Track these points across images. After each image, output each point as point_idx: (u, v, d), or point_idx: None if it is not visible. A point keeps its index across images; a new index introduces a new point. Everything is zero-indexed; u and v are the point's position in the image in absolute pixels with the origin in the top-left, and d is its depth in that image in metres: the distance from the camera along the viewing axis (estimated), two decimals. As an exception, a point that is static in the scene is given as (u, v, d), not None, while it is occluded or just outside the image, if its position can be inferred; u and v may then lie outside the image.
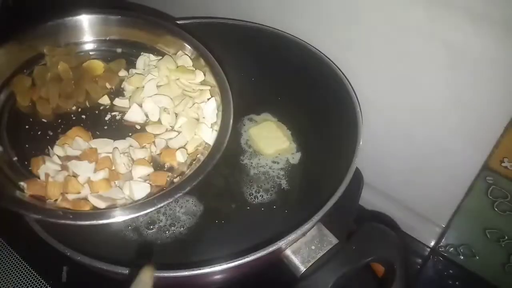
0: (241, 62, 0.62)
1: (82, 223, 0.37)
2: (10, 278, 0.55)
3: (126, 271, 0.36)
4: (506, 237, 0.51)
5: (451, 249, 0.58)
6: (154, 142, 0.44)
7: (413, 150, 0.54)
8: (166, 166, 0.43)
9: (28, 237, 0.39)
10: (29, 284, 0.54)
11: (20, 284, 0.54)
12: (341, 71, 0.52)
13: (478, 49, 0.41)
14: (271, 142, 0.60)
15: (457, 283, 0.58)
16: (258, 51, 0.60)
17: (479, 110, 0.45)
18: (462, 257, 0.58)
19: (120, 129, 0.46)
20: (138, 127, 0.46)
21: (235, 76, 0.63)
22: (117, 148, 0.42)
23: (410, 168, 0.56)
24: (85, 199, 0.39)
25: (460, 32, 0.41)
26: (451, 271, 0.59)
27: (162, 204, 0.38)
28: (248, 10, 0.59)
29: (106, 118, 0.46)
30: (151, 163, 0.43)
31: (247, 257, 0.37)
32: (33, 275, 0.55)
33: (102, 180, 0.40)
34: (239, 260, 0.37)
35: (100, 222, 0.37)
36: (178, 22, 0.59)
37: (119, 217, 0.37)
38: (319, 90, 0.56)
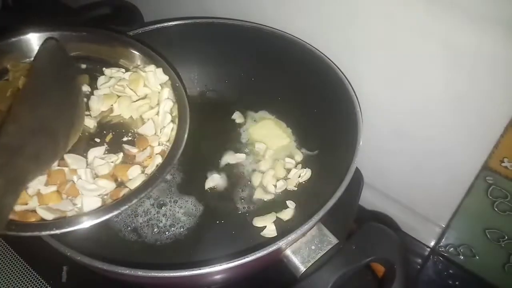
0: (241, 62, 0.62)
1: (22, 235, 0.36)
2: (10, 278, 0.55)
3: (126, 271, 0.36)
4: (506, 237, 0.51)
5: (451, 249, 0.58)
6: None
7: (413, 150, 0.54)
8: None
9: (28, 236, 0.39)
10: (29, 284, 0.54)
11: (20, 284, 0.54)
12: (341, 71, 0.52)
13: (478, 49, 0.41)
14: (272, 140, 0.60)
15: (457, 283, 0.58)
16: (258, 51, 0.60)
17: (479, 110, 0.45)
18: (462, 257, 0.58)
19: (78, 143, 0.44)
20: (97, 140, 0.45)
21: (235, 76, 0.64)
22: (85, 162, 0.43)
23: (410, 168, 0.56)
24: (33, 211, 0.38)
25: (460, 32, 0.41)
26: (451, 271, 0.59)
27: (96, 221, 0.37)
28: (248, 10, 0.60)
29: None
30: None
31: (247, 257, 0.37)
32: (33, 275, 0.55)
33: (53, 192, 0.39)
34: (239, 260, 0.37)
35: (41, 234, 0.36)
36: (178, 22, 0.59)
37: (61, 229, 0.37)
38: (319, 90, 0.56)
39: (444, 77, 0.45)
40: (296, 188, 0.55)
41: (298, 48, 0.55)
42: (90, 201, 0.39)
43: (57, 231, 0.36)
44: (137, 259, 0.49)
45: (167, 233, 0.52)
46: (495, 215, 0.49)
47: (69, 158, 0.42)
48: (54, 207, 0.39)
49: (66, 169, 0.41)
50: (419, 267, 0.60)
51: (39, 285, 0.54)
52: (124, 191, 0.41)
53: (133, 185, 0.41)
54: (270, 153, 0.58)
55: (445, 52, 0.43)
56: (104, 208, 0.39)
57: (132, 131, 0.47)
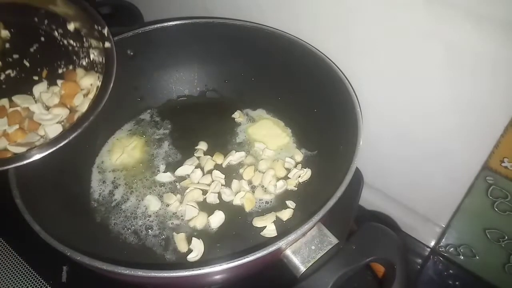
0: (241, 62, 0.62)
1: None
2: (10, 278, 0.55)
3: (126, 271, 0.36)
4: (506, 237, 0.51)
5: (451, 249, 0.58)
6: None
7: (413, 150, 0.54)
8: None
9: (28, 237, 0.39)
10: (29, 284, 0.54)
11: (20, 284, 0.54)
12: (341, 71, 0.52)
13: (478, 49, 0.41)
14: (271, 139, 0.60)
15: (457, 283, 0.58)
16: (258, 51, 0.60)
17: (479, 110, 0.45)
18: (462, 257, 0.58)
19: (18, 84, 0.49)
20: (35, 77, 0.50)
21: (235, 75, 0.64)
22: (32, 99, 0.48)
23: (410, 168, 0.56)
24: (6, 149, 0.44)
25: (460, 32, 0.41)
26: (451, 271, 0.59)
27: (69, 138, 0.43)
28: (248, 10, 0.59)
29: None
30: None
31: (247, 257, 0.37)
32: (33, 275, 0.55)
33: (16, 130, 0.45)
34: (239, 260, 0.37)
35: (20, 163, 0.41)
36: (178, 22, 0.59)
37: (36, 156, 0.42)
38: (319, 90, 0.56)
39: (444, 77, 0.45)
40: (296, 188, 0.55)
41: (299, 48, 0.55)
42: (52, 129, 0.45)
43: (31, 159, 0.41)
44: (136, 259, 0.49)
45: (164, 235, 0.52)
46: (495, 215, 0.49)
47: (17, 99, 0.48)
48: (23, 142, 0.44)
49: (19, 108, 0.47)
50: (419, 267, 0.60)
51: (39, 285, 0.54)
52: (78, 114, 0.46)
53: (83, 108, 0.46)
54: (270, 153, 0.58)
55: (445, 52, 0.43)
56: (65, 131, 0.44)
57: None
